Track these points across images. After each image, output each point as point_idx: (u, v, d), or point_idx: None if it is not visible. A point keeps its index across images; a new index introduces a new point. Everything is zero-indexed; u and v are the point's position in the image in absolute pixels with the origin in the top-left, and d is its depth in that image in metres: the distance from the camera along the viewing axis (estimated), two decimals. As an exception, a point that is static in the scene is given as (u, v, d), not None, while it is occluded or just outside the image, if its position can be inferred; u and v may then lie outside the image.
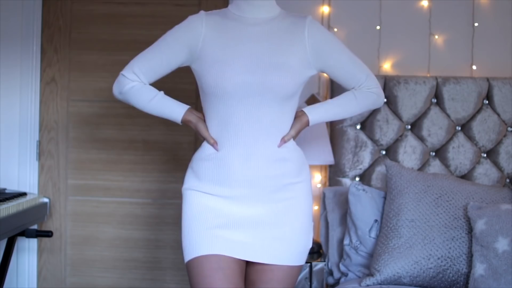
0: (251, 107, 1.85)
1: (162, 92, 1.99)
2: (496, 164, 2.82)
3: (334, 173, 2.87)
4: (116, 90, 1.99)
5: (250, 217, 1.88)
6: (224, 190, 1.89)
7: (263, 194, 1.89)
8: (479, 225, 2.24)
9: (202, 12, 1.97)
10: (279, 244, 1.90)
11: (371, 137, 2.83)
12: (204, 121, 1.96)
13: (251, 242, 1.88)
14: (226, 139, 1.88)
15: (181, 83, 2.81)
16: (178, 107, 1.97)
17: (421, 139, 2.82)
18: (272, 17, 1.95)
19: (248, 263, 1.94)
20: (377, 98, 2.05)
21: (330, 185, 2.90)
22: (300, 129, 1.97)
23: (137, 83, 1.96)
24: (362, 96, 2.02)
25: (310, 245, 1.99)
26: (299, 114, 1.98)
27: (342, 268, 2.58)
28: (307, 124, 1.98)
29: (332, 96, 2.87)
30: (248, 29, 1.91)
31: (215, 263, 1.83)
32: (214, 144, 1.91)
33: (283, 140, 1.91)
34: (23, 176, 2.97)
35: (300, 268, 1.97)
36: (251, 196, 1.88)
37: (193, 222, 1.88)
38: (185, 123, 1.97)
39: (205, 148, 1.94)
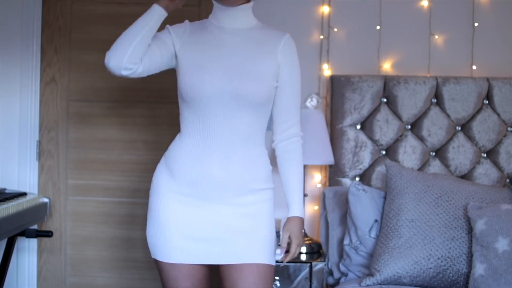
0: (227, 111, 1.90)
1: None
2: (496, 164, 2.82)
3: (334, 173, 2.86)
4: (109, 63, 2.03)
5: (220, 219, 1.92)
6: (198, 191, 1.92)
7: (235, 196, 1.93)
8: (479, 225, 2.23)
9: (186, 21, 2.04)
10: (248, 244, 1.92)
11: (371, 137, 2.83)
12: None
13: (220, 243, 1.92)
14: (204, 142, 1.92)
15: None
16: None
17: (421, 139, 2.82)
18: (249, 28, 2.00)
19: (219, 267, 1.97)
20: (301, 146, 2.04)
21: (330, 185, 2.90)
22: (296, 230, 1.97)
23: None
24: (299, 159, 2.02)
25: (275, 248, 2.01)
26: (289, 220, 1.98)
27: (342, 268, 2.58)
28: (301, 220, 1.99)
29: (332, 96, 2.87)
30: (225, 37, 1.97)
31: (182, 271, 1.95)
32: None
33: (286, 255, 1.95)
34: (23, 176, 2.97)
35: (271, 271, 1.96)
36: (224, 197, 1.92)
37: (165, 229, 1.94)
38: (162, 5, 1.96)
39: (183, 145, 1.97)
